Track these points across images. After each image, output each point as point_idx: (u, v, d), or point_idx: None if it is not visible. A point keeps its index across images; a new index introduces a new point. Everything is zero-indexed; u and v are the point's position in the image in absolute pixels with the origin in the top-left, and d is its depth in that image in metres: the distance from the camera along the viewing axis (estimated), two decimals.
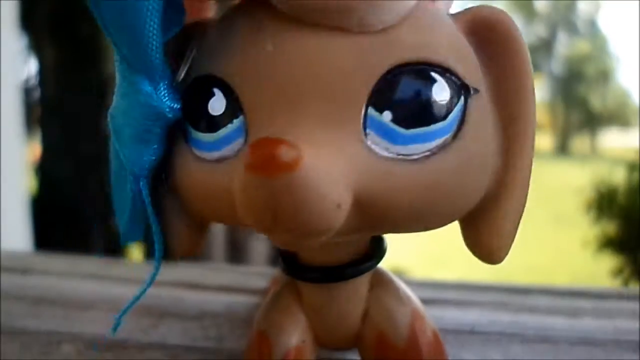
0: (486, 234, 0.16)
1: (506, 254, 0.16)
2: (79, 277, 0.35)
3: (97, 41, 1.92)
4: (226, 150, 0.15)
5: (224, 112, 0.15)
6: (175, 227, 0.18)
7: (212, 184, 0.15)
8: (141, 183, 0.17)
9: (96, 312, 0.29)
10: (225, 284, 0.33)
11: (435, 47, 0.14)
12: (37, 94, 2.13)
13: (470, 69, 0.15)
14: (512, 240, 0.16)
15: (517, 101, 0.15)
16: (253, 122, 0.15)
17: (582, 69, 12.39)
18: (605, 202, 2.11)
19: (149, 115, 0.16)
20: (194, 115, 0.16)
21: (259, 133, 0.14)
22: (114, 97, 0.17)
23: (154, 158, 0.16)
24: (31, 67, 2.25)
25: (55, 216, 1.80)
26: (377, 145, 0.14)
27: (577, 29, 12.73)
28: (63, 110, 1.88)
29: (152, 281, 0.18)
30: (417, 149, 0.14)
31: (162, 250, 0.18)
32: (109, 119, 0.17)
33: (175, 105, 0.16)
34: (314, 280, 0.19)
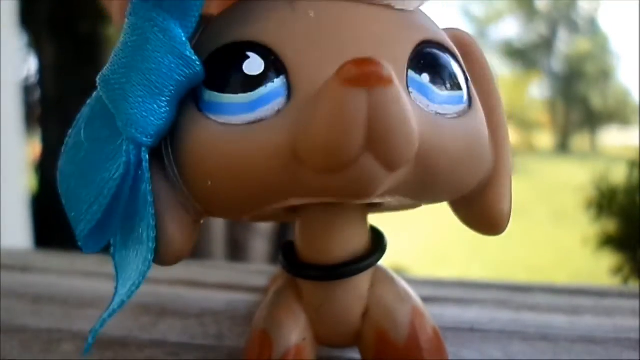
0: (489, 205, 0.17)
1: (508, 222, 0.18)
2: (79, 275, 0.35)
3: (97, 39, 1.92)
4: (262, 111, 0.14)
5: (263, 72, 0.15)
6: (171, 221, 0.16)
7: (246, 149, 0.14)
8: (142, 154, 0.14)
9: (96, 310, 0.29)
10: (225, 282, 0.33)
11: (444, 36, 0.17)
12: (37, 92, 2.13)
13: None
14: (511, 210, 0.18)
15: (488, 100, 0.18)
16: (299, 81, 0.15)
17: (582, 67, 12.39)
18: (605, 200, 2.11)
19: (169, 66, 0.14)
20: (219, 77, 0.15)
21: (307, 89, 0.14)
22: (114, 55, 0.15)
23: (161, 122, 0.14)
24: (31, 65, 2.25)
25: (55, 214, 1.80)
26: (420, 102, 0.15)
27: (577, 27, 12.72)
28: (63, 109, 1.88)
29: (141, 279, 0.15)
30: (449, 109, 0.16)
31: (153, 251, 0.15)
32: (101, 77, 0.15)
33: (201, 64, 0.14)
34: (315, 278, 0.19)
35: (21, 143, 1.25)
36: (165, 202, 0.15)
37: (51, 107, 1.97)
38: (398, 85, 0.13)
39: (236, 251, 1.38)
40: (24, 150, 1.37)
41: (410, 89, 0.15)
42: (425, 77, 0.15)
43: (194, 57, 0.14)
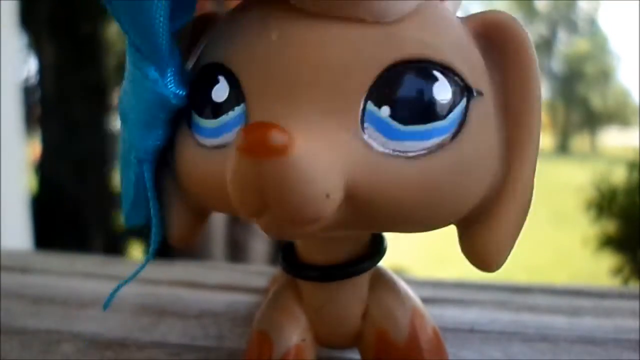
0: (482, 241, 0.16)
1: (503, 262, 0.16)
2: (79, 276, 0.35)
3: (97, 40, 1.92)
4: (226, 137, 0.15)
5: (226, 99, 0.15)
6: (175, 213, 0.18)
7: (210, 170, 0.15)
8: (144, 167, 0.17)
9: (96, 311, 0.29)
10: (225, 283, 0.33)
11: (440, 45, 0.14)
12: (37, 92, 2.13)
13: (476, 71, 0.15)
14: (509, 251, 0.16)
15: (522, 108, 0.15)
16: (253, 110, 0.15)
17: (582, 68, 12.39)
18: (605, 201, 2.11)
19: (154, 101, 0.16)
20: (198, 102, 0.16)
21: (257, 120, 0.14)
22: (123, 82, 0.17)
23: (158, 143, 0.17)
24: (31, 65, 2.25)
25: (55, 215, 1.80)
26: (374, 140, 0.14)
27: (577, 28, 12.73)
28: (63, 109, 1.88)
29: (146, 263, 0.18)
30: (414, 146, 0.14)
31: (159, 236, 0.18)
32: (118, 102, 0.18)
33: (181, 92, 0.16)
34: (315, 279, 0.19)
35: (21, 143, 1.25)
36: (171, 199, 0.18)
37: (51, 108, 1.97)
38: (292, 151, 0.12)
39: (236, 252, 1.38)
40: (23, 151, 1.37)
41: (366, 125, 0.14)
42: (385, 111, 0.14)
43: (168, 93, 0.16)
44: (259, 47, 0.15)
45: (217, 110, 0.15)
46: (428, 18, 0.15)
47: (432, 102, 0.14)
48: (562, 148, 11.90)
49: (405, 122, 0.14)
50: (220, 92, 0.15)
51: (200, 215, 0.18)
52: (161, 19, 0.15)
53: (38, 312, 0.29)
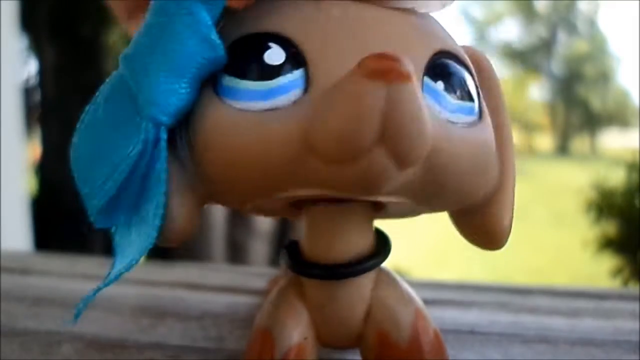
0: (496, 215, 0.18)
1: (508, 237, 0.18)
2: (79, 277, 0.35)
3: (97, 42, 1.93)
4: (278, 100, 0.15)
5: (283, 62, 0.15)
6: (176, 201, 0.16)
7: (255, 135, 0.15)
8: (161, 133, 0.15)
9: (96, 312, 0.29)
10: (225, 285, 0.33)
11: (460, 48, 0.17)
12: (37, 94, 2.13)
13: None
14: (512, 224, 0.18)
15: (497, 115, 0.18)
16: (317, 74, 0.15)
17: (581, 69, 12.40)
18: (605, 203, 2.12)
19: (192, 47, 0.14)
20: (240, 64, 0.15)
21: (325, 84, 0.15)
22: (139, 34, 0.15)
23: (182, 104, 0.15)
24: (31, 67, 2.25)
25: (55, 216, 1.80)
26: (433, 108, 0.15)
27: (576, 29, 12.74)
28: (63, 111, 1.88)
29: (141, 254, 0.15)
30: (461, 119, 0.16)
31: (160, 226, 0.15)
32: (124, 56, 0.15)
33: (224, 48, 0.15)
34: (319, 277, 0.19)
35: (21, 145, 1.25)
36: (174, 183, 0.16)
37: (51, 109, 1.97)
38: (416, 83, 0.13)
39: (236, 253, 1.39)
40: (24, 152, 1.37)
41: (425, 95, 0.15)
42: (440, 85, 0.16)
43: (218, 42, 0.15)
44: (322, 21, 0.16)
45: (271, 72, 0.15)
46: (445, 27, 0.18)
47: (467, 86, 0.17)
48: (562, 149, 11.91)
49: (454, 97, 0.16)
50: (275, 55, 0.15)
51: (199, 206, 0.17)
52: None
53: (38, 314, 0.29)
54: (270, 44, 0.15)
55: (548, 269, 2.93)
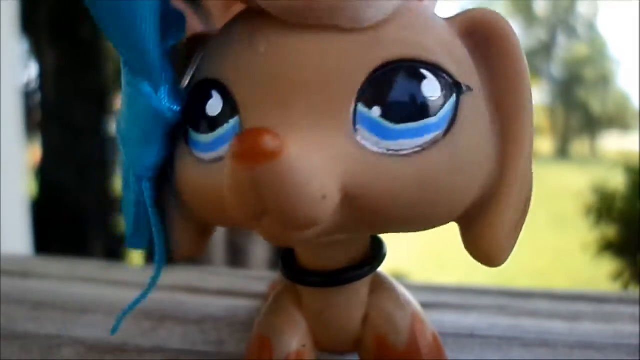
0: (485, 236, 0.16)
1: (506, 257, 0.16)
2: (79, 280, 0.35)
3: (98, 45, 1.93)
4: (222, 150, 0.15)
5: (220, 113, 0.16)
6: (178, 229, 0.18)
7: (208, 183, 0.16)
8: (143, 184, 0.17)
9: (96, 315, 0.29)
10: (225, 288, 0.33)
11: (425, 44, 0.15)
12: (37, 97, 2.13)
13: (464, 67, 0.15)
14: (514, 243, 0.16)
15: (513, 102, 0.16)
16: (247, 120, 0.15)
17: (581, 72, 12.40)
18: (604, 206, 2.11)
19: (149, 116, 0.16)
20: (194, 117, 0.16)
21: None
22: (121, 106, 0.17)
23: (156, 159, 0.17)
24: (32, 70, 2.25)
25: (55, 220, 1.80)
26: (367, 140, 0.14)
27: (576, 32, 12.75)
28: (63, 114, 1.89)
29: (153, 284, 0.19)
30: (407, 144, 0.14)
31: (164, 254, 0.18)
32: (116, 124, 0.18)
33: (175, 107, 0.16)
34: (315, 285, 0.19)
35: (21, 148, 1.25)
36: (172, 215, 0.18)
37: (51, 112, 1.97)
38: (287, 155, 0.13)
39: (236, 257, 1.38)
40: (24, 155, 1.37)
41: (358, 126, 0.14)
42: (377, 111, 0.14)
43: (163, 107, 0.16)
44: (249, 60, 0.15)
45: (213, 124, 0.16)
46: (409, 19, 0.15)
47: (422, 100, 0.14)
48: (562, 152, 11.90)
49: (396, 120, 0.14)
50: (214, 106, 0.16)
51: (204, 230, 0.19)
52: (151, 35, 0.15)
53: (38, 317, 0.29)
54: (212, 92, 0.16)
55: (548, 272, 2.93)
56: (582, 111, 12.48)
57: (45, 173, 1.99)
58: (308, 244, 0.18)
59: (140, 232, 0.18)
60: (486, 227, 0.16)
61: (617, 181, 2.17)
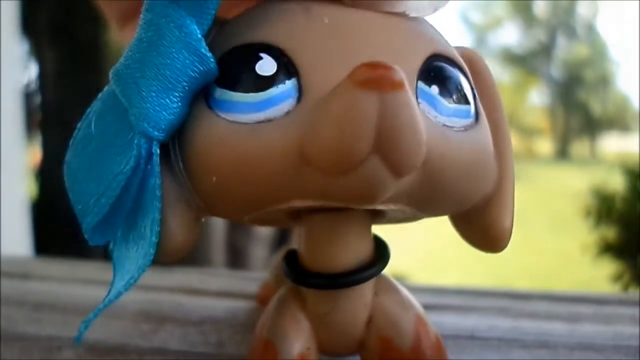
0: (496, 216, 0.18)
1: (510, 238, 0.18)
2: (80, 282, 0.35)
3: (98, 46, 1.93)
4: (272, 111, 0.15)
5: (275, 73, 0.15)
6: (176, 218, 0.16)
7: (253, 147, 0.14)
8: (154, 148, 0.15)
9: (97, 317, 0.29)
10: (225, 289, 0.33)
11: (454, 50, 0.17)
12: (37, 99, 2.13)
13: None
14: (512, 226, 0.18)
15: (494, 116, 0.18)
16: (310, 84, 0.15)
17: (581, 73, 12.41)
18: (604, 207, 2.11)
19: (186, 61, 0.14)
20: (230, 77, 0.15)
21: (318, 93, 0.14)
22: (129, 49, 0.15)
23: (173, 118, 0.15)
24: (32, 72, 2.25)
25: (55, 221, 1.80)
26: (429, 113, 0.15)
27: (576, 33, 12.75)
28: (63, 116, 1.88)
29: (136, 278, 0.15)
30: (457, 122, 0.16)
31: (158, 239, 0.15)
32: (115, 72, 0.15)
33: (214, 61, 0.15)
34: (320, 287, 0.18)
35: (21, 149, 1.25)
36: (169, 198, 0.16)
37: (52, 114, 1.97)
38: (409, 91, 0.13)
39: (236, 258, 1.38)
40: (24, 157, 1.37)
41: (419, 100, 0.15)
42: (435, 89, 0.16)
43: (208, 54, 0.15)
44: (311, 28, 0.16)
45: (263, 83, 0.15)
46: (438, 29, 0.18)
47: (462, 88, 0.16)
48: (562, 154, 11.91)
49: (450, 100, 0.16)
50: (267, 66, 0.15)
51: (196, 221, 0.17)
52: None
53: (38, 319, 0.29)
54: (262, 55, 0.15)
55: (548, 274, 2.93)
56: (582, 112, 12.48)
57: (45, 174, 1.99)
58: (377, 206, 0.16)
59: (112, 220, 0.15)
60: (494, 212, 0.18)
61: (617, 183, 2.17)
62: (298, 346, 0.19)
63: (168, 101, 0.14)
